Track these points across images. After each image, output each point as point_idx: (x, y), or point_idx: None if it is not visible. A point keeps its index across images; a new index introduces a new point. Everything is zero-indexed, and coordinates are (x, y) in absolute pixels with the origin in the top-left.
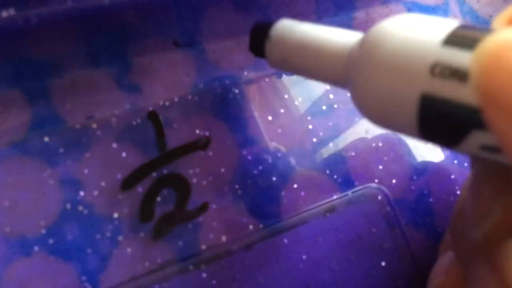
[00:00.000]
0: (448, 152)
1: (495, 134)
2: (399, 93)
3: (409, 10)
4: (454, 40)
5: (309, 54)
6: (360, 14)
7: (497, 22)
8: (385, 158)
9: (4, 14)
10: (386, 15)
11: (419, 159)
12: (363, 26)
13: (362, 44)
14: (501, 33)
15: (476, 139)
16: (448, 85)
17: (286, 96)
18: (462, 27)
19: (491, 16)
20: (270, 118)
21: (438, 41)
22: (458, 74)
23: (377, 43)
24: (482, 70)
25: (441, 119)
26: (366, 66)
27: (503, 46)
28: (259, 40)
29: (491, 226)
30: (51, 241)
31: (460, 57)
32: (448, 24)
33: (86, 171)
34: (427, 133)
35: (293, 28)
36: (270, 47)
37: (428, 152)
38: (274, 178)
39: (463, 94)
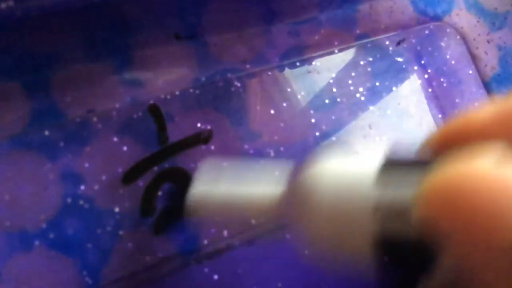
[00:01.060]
0: None
1: (453, 255)
2: (347, 246)
3: (413, 3)
4: (385, 180)
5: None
6: (364, 7)
7: (425, 147)
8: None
9: (3, 5)
10: (390, 8)
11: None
12: (366, 19)
13: (292, 197)
14: (442, 172)
15: (444, 267)
16: (396, 225)
17: (288, 90)
18: (386, 164)
19: (496, 8)
20: (272, 112)
21: (370, 184)
22: (403, 213)
23: (307, 199)
24: (432, 209)
25: (402, 256)
26: (302, 227)
27: (449, 187)
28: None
29: None
30: (51, 235)
31: (399, 196)
32: (372, 163)
33: (86, 165)
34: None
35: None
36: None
37: None
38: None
39: (413, 231)
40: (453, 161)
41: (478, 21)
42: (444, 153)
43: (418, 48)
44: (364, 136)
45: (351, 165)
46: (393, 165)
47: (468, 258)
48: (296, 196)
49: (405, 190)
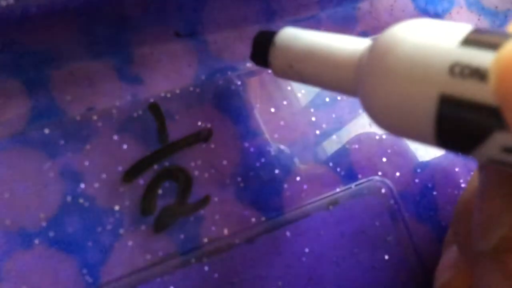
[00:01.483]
0: None
1: None
2: (415, 97)
3: (414, 1)
4: (473, 41)
5: (317, 60)
6: (364, 5)
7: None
8: (389, 151)
9: (3, 3)
10: (391, 6)
11: (423, 151)
12: (367, 17)
13: (373, 50)
14: None
15: (497, 141)
16: (468, 85)
17: (288, 88)
18: (478, 30)
19: (496, 7)
20: (272, 110)
21: (457, 42)
22: (479, 74)
23: (389, 48)
24: (501, 73)
25: (460, 121)
26: (378, 73)
27: None
28: (263, 47)
29: (501, 238)
30: (51, 233)
31: (480, 57)
32: (464, 27)
33: (86, 163)
34: (445, 137)
35: (299, 35)
36: (274, 54)
37: None
38: (276, 171)
39: (484, 94)
40: None
41: (478, 19)
42: None
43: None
44: (365, 134)
45: (441, 26)
46: (481, 32)
47: None
48: (372, 54)
49: (486, 53)
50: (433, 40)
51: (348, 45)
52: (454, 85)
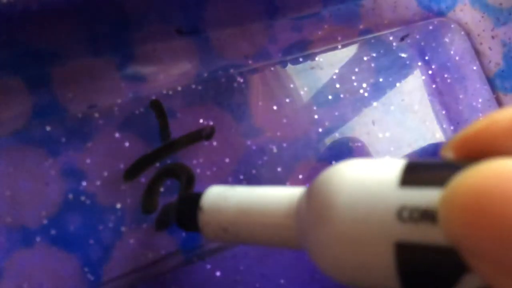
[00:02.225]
0: None
1: (483, 278)
2: (369, 249)
3: None
4: (410, 179)
5: (253, 220)
6: (367, 2)
7: (446, 150)
8: (392, 149)
9: None
10: (394, 3)
11: (427, 146)
12: (370, 14)
13: (310, 200)
14: (463, 177)
15: (470, 283)
16: (422, 229)
17: (291, 86)
18: (411, 165)
19: (500, 3)
20: (275, 107)
21: (395, 183)
22: (430, 215)
23: (327, 198)
24: (450, 214)
25: (424, 268)
26: (321, 226)
27: (474, 195)
28: (189, 213)
29: None
30: (53, 231)
31: (425, 197)
32: (395, 164)
33: (88, 161)
34: (412, 285)
35: (226, 195)
36: (204, 220)
37: (433, 141)
38: (279, 169)
39: (441, 236)
40: (479, 163)
41: (482, 17)
42: (465, 157)
43: (422, 43)
44: (368, 132)
45: (373, 167)
46: (416, 167)
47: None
48: (315, 199)
49: (431, 192)
50: (372, 185)
51: (281, 197)
52: (406, 231)
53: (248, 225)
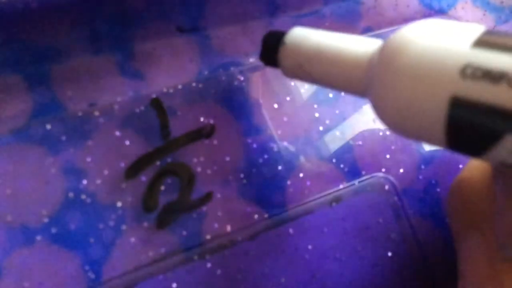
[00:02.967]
0: None
1: None
2: (425, 99)
3: None
4: (485, 42)
5: (327, 60)
6: (368, 0)
7: None
8: (393, 147)
9: None
10: (395, 1)
11: (427, 148)
12: (371, 12)
13: (383, 51)
14: None
15: (509, 144)
16: (480, 87)
17: (292, 84)
18: (490, 32)
19: (502, 2)
20: (275, 106)
21: (469, 44)
22: (491, 76)
23: (399, 50)
24: None
25: (472, 123)
26: (389, 74)
27: None
28: (272, 47)
29: None
30: (53, 230)
31: (493, 59)
32: (476, 28)
33: (88, 160)
34: (455, 140)
35: (309, 35)
36: (284, 54)
37: None
38: (279, 167)
39: (496, 95)
40: None
41: (484, 15)
42: None
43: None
44: (368, 130)
45: (454, 27)
46: (493, 35)
47: None
48: (383, 55)
49: (500, 56)
50: (444, 41)
51: (358, 45)
52: (465, 87)
53: (322, 65)
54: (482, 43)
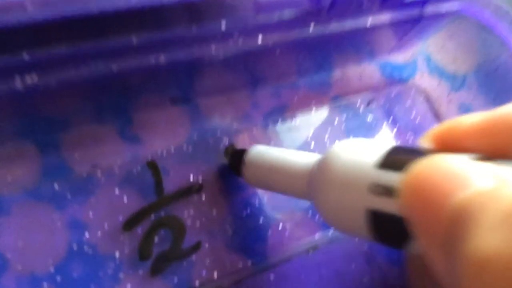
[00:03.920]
0: None
1: (418, 244)
2: (348, 207)
3: (382, 68)
4: (386, 163)
5: (277, 175)
6: (337, 73)
7: (424, 141)
8: None
9: (28, 80)
10: (360, 74)
11: None
12: (339, 83)
13: (318, 165)
14: (421, 161)
15: (415, 247)
16: (384, 201)
17: (272, 144)
18: (394, 151)
19: (454, 71)
20: None
21: (373, 165)
22: (390, 192)
23: (327, 165)
24: (406, 192)
25: (386, 229)
26: (320, 184)
27: (422, 170)
28: (236, 163)
29: None
30: (58, 278)
31: (391, 178)
32: (382, 148)
33: (91, 214)
34: (378, 239)
35: (263, 154)
36: (245, 169)
37: None
38: (261, 220)
39: (393, 207)
40: (426, 157)
41: (439, 83)
42: (439, 148)
43: (387, 107)
44: None
45: (365, 148)
46: (393, 153)
47: (421, 237)
48: (320, 167)
49: (395, 174)
50: (357, 161)
51: (301, 160)
52: (373, 201)
53: (273, 177)
54: (384, 164)
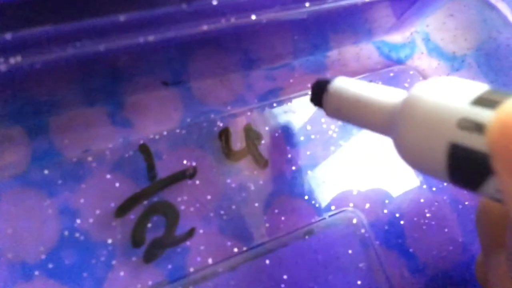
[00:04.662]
0: (417, 178)
1: (499, 181)
2: (431, 143)
3: (378, 48)
4: (481, 101)
5: (360, 108)
6: (333, 53)
7: None
8: (360, 184)
9: (12, 61)
10: (357, 54)
11: (391, 184)
12: (335, 64)
13: (404, 102)
14: (506, 106)
15: (493, 183)
16: (471, 137)
17: (266, 128)
18: (490, 91)
19: (454, 52)
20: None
21: (468, 101)
22: (480, 128)
23: (414, 103)
24: (496, 128)
25: (465, 166)
26: (406, 122)
27: (508, 120)
28: (318, 93)
29: None
30: (50, 265)
31: (483, 115)
32: (478, 88)
33: (82, 201)
34: (454, 177)
35: (347, 85)
36: (327, 99)
37: (399, 178)
38: (256, 204)
39: (481, 143)
40: None
41: (438, 64)
42: None
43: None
44: (336, 168)
45: (457, 84)
46: (490, 93)
47: (504, 175)
48: (404, 105)
49: (487, 112)
50: (449, 97)
51: (385, 96)
52: (460, 136)
53: (355, 110)
54: (479, 101)
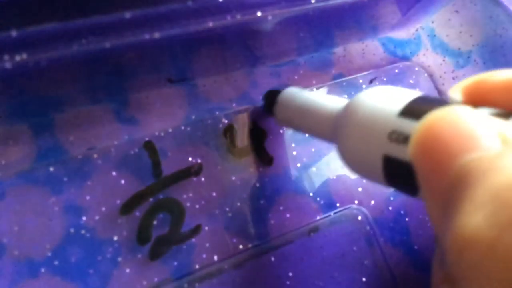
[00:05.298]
0: None
1: (422, 195)
2: (367, 152)
3: (384, 45)
4: (407, 112)
5: (307, 117)
6: (338, 50)
7: (453, 91)
8: (364, 181)
9: (18, 58)
10: (362, 50)
11: None
12: (341, 60)
13: (344, 111)
14: (435, 112)
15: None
16: (400, 149)
17: (271, 123)
18: (417, 100)
19: (459, 48)
20: None
21: (396, 113)
22: (407, 140)
23: (352, 111)
24: (414, 139)
25: (399, 176)
26: (345, 129)
27: (434, 122)
28: (270, 104)
29: None
30: (56, 262)
31: (409, 127)
32: (407, 97)
33: (88, 198)
34: (392, 185)
35: (295, 96)
36: (277, 109)
37: None
38: (261, 201)
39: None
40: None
41: (443, 60)
42: (466, 99)
43: (390, 85)
44: (342, 166)
45: (390, 94)
46: (416, 103)
47: (424, 190)
48: (343, 114)
49: (413, 123)
50: (381, 109)
51: (330, 103)
52: (391, 148)
53: (303, 119)
54: (406, 112)
